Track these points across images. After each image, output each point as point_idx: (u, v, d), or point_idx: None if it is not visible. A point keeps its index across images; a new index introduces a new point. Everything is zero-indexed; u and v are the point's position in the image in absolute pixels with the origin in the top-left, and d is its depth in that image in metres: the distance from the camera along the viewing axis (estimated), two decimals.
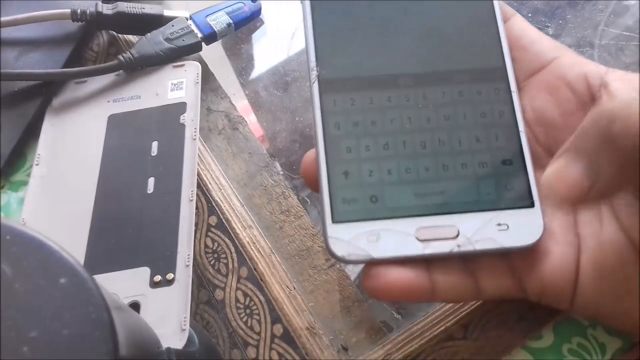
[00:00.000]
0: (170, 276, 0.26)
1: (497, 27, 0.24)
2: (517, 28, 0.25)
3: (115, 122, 0.31)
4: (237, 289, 0.27)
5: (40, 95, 0.33)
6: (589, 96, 0.22)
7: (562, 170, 0.22)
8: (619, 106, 0.20)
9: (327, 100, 0.23)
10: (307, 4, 0.24)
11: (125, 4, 0.33)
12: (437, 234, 0.21)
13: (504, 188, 0.22)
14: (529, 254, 0.21)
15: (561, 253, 0.21)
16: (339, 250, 0.21)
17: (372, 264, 0.21)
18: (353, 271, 0.28)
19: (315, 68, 0.23)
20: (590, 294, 0.21)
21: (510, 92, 0.23)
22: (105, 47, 0.35)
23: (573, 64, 0.23)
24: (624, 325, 0.22)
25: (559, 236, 0.21)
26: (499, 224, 0.21)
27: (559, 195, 0.21)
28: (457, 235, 0.21)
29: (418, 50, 0.24)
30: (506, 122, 0.23)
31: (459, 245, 0.21)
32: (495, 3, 0.25)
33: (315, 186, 0.22)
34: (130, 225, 0.28)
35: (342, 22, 0.24)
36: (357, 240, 0.21)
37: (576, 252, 0.21)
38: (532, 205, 0.21)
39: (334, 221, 0.21)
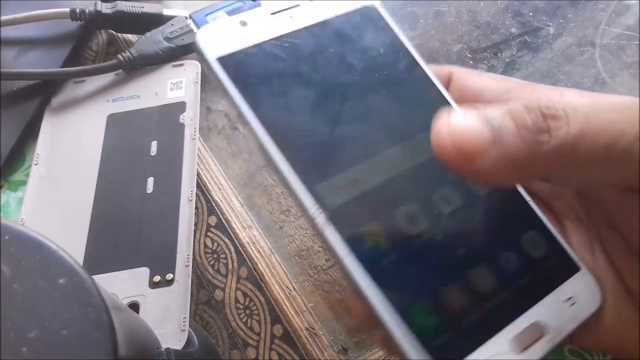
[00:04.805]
0: (169, 276, 0.26)
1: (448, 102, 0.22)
2: (458, 86, 0.24)
3: (115, 122, 0.31)
4: (237, 289, 0.27)
5: (39, 95, 0.33)
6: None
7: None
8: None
9: (356, 241, 0.19)
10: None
11: (124, 3, 0.33)
12: (529, 339, 0.20)
13: (548, 265, 0.21)
14: None
15: None
16: None
17: None
18: None
19: (318, 210, 0.19)
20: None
21: None
22: (104, 46, 0.35)
23: (528, 100, 0.23)
24: None
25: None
26: (568, 299, 0.20)
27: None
28: (544, 330, 0.20)
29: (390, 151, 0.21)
30: (512, 200, 0.21)
31: (552, 339, 0.19)
32: (431, 76, 0.22)
33: (371, 325, 0.19)
34: (129, 225, 0.28)
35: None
36: None
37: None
38: (579, 268, 0.21)
39: None
